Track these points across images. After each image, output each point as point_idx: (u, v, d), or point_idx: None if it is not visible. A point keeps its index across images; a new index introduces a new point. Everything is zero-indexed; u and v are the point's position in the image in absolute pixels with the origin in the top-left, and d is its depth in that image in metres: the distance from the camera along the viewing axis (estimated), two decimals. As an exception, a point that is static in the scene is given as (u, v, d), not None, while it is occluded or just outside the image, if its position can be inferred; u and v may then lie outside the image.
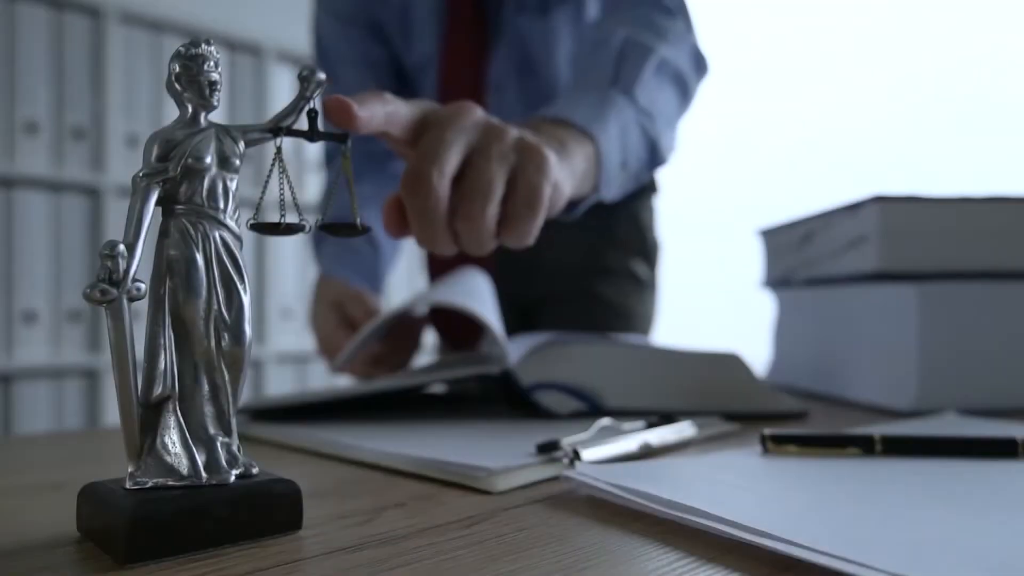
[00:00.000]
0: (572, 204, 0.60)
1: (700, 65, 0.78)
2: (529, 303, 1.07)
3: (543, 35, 0.93)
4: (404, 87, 1.02)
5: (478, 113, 0.47)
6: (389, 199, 0.47)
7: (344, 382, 0.92)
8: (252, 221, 0.32)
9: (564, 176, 0.52)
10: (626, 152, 0.64)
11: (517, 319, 1.03)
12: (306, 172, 2.08)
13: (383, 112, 0.42)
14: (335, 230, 0.35)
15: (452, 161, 0.44)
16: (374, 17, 0.97)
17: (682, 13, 0.77)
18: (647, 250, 1.09)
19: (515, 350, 0.62)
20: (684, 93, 0.75)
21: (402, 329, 0.84)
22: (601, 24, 0.77)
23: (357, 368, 0.84)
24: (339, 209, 0.37)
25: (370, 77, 0.98)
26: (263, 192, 0.33)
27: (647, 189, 1.08)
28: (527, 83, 0.95)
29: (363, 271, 0.95)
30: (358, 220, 0.35)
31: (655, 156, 0.70)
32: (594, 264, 1.05)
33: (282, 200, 0.32)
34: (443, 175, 0.44)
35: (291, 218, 0.32)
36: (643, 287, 1.09)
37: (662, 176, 1.10)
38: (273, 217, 0.33)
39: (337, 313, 0.88)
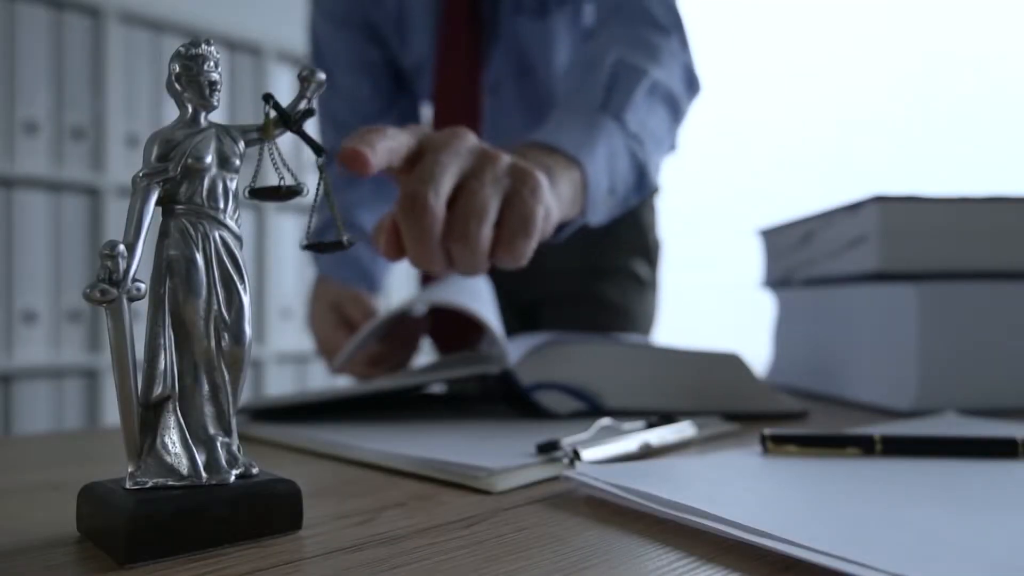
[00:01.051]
0: (558, 228, 0.61)
1: (692, 84, 0.77)
2: (530, 304, 1.07)
3: (541, 36, 0.93)
4: (401, 88, 1.02)
5: (471, 139, 0.48)
6: (383, 222, 0.48)
7: (344, 382, 0.92)
8: (250, 187, 0.32)
9: (552, 201, 0.52)
10: (614, 178, 0.64)
11: (518, 320, 1.03)
12: (306, 172, 2.08)
13: (387, 149, 0.43)
14: (321, 248, 0.35)
15: (447, 183, 0.45)
16: (369, 19, 0.97)
17: (677, 30, 0.76)
18: (648, 250, 1.09)
19: (515, 350, 0.62)
20: (675, 114, 0.75)
21: (401, 329, 0.84)
22: (594, 41, 0.76)
23: (356, 369, 0.84)
24: (329, 220, 0.37)
25: (366, 79, 0.98)
26: (259, 160, 0.32)
27: None
28: (524, 84, 0.95)
29: (361, 272, 0.95)
30: (344, 236, 0.34)
31: (644, 180, 0.70)
32: (595, 264, 1.05)
33: (275, 165, 0.32)
34: (439, 196, 0.45)
35: (288, 180, 0.32)
36: (644, 287, 1.09)
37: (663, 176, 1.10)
38: (272, 181, 0.32)
39: (335, 314, 0.88)
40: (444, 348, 0.96)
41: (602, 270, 1.05)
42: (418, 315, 0.86)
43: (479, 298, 0.67)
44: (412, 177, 0.45)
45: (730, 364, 0.63)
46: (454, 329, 0.89)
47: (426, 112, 1.05)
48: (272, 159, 0.32)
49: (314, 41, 1.01)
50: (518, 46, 0.94)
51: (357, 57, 0.98)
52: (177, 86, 0.30)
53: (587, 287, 1.05)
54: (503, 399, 0.60)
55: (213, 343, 0.30)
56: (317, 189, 0.34)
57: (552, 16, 0.92)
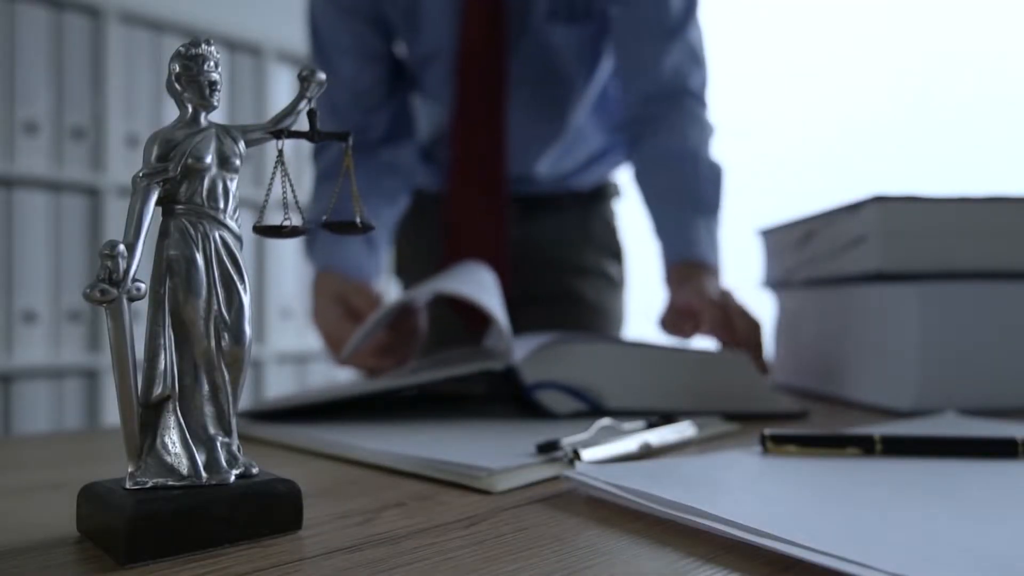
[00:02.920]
0: None
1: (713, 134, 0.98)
2: (510, 302, 1.07)
3: (573, 43, 0.96)
4: (399, 80, 1.02)
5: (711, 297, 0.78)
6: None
7: (345, 376, 0.91)
8: (255, 224, 0.32)
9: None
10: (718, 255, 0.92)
11: None
12: (306, 172, 2.08)
13: None
14: (337, 228, 0.35)
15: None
16: (377, 8, 0.97)
17: (707, 99, 0.97)
18: (618, 251, 1.15)
19: (519, 348, 0.62)
20: None
21: (407, 319, 0.84)
22: (668, 128, 0.95)
23: (365, 360, 0.84)
24: (338, 202, 0.37)
25: (368, 70, 0.98)
26: (267, 195, 0.33)
27: (612, 193, 1.16)
28: (544, 89, 0.98)
29: (358, 264, 0.95)
30: (359, 218, 0.34)
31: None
32: (573, 263, 1.10)
33: (285, 203, 0.32)
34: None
35: (294, 221, 0.32)
36: (615, 286, 1.14)
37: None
38: (276, 220, 0.32)
39: (340, 306, 0.88)
40: (474, 329, 0.97)
41: (579, 269, 1.10)
42: (421, 304, 0.86)
43: (486, 290, 0.68)
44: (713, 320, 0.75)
45: (737, 364, 0.63)
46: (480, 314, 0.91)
47: (424, 111, 1.05)
48: (283, 196, 0.32)
49: (313, 27, 0.99)
50: (548, 49, 0.96)
51: (361, 47, 0.98)
52: (177, 86, 0.30)
53: (566, 286, 1.09)
54: (506, 395, 0.60)
55: (213, 343, 0.30)
56: (324, 171, 0.35)
57: (583, 25, 0.95)
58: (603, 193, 1.14)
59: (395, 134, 1.02)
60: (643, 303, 1.38)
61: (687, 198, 0.92)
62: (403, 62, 1.01)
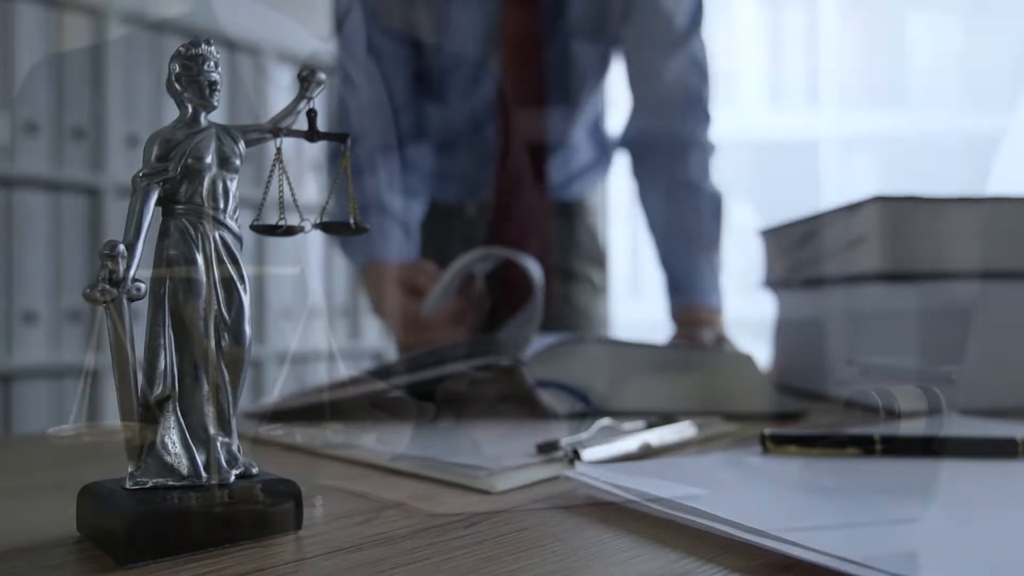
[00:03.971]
0: None
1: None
2: (495, 304, 1.09)
3: (590, 58, 1.00)
4: (423, 84, 1.03)
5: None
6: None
7: (344, 374, 0.92)
8: (253, 223, 0.32)
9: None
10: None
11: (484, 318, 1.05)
12: (306, 172, 2.08)
13: None
14: (333, 229, 0.35)
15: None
16: (406, 12, 0.99)
17: (710, 111, 1.00)
18: (601, 258, 1.20)
19: (531, 346, 0.62)
20: None
21: (468, 284, 0.86)
22: (665, 145, 0.98)
23: (440, 329, 0.85)
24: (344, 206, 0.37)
25: (396, 70, 1.00)
26: (264, 194, 0.33)
27: (594, 205, 1.21)
28: (556, 94, 1.00)
29: (402, 249, 0.98)
30: (353, 219, 0.34)
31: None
32: (560, 269, 1.13)
33: (281, 201, 0.32)
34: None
35: (291, 219, 0.32)
36: (598, 291, 1.19)
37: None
38: (273, 218, 0.32)
39: (402, 286, 0.91)
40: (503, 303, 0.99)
41: (567, 275, 1.14)
42: (479, 271, 0.87)
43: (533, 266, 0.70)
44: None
45: (737, 364, 0.63)
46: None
47: (438, 116, 1.07)
48: (280, 194, 0.32)
49: (341, 28, 1.01)
50: (568, 64, 0.99)
51: (390, 49, 1.00)
52: (177, 86, 0.30)
53: (554, 290, 1.11)
54: (507, 391, 0.60)
55: (213, 343, 0.30)
56: (339, 172, 0.35)
57: (601, 45, 0.99)
58: (586, 205, 1.19)
59: (417, 135, 1.05)
60: (623, 308, 1.43)
61: (689, 234, 0.97)
62: (423, 68, 1.03)
